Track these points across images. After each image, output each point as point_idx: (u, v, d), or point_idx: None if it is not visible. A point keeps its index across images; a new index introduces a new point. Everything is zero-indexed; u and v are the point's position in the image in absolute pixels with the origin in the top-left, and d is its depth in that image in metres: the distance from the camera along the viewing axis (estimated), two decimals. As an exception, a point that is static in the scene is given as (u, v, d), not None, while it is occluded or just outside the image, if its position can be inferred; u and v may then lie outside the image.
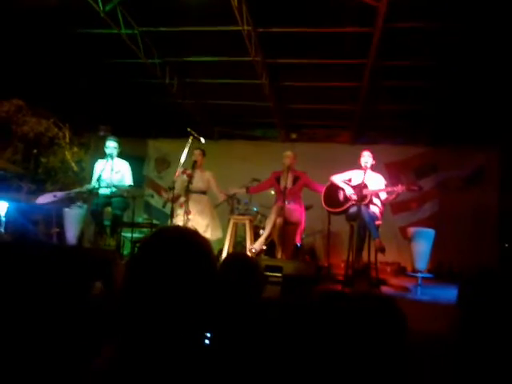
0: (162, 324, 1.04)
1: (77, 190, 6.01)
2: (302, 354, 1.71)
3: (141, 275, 1.07)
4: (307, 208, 6.20)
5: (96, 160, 6.02)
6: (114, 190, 5.62)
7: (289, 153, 6.00)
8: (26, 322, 1.42)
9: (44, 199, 5.91)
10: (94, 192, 5.61)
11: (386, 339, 1.73)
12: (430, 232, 5.77)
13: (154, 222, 7.93)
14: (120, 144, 5.86)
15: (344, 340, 1.37)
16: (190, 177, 5.67)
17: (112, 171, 5.69)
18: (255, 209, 6.94)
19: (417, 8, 4.91)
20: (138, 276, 1.08)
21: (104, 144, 5.87)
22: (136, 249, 6.56)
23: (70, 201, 5.99)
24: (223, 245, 5.95)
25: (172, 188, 5.54)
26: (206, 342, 1.20)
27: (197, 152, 5.91)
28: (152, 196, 7.70)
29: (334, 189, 5.60)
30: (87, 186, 5.83)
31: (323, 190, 5.71)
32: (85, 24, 5.80)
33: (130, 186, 5.81)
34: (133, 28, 5.80)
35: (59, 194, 5.94)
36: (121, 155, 5.93)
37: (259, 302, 2.01)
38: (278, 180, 5.96)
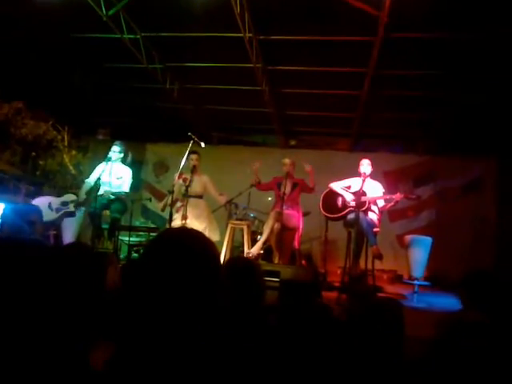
0: (166, 325, 1.04)
1: (72, 198, 5.87)
2: (302, 360, 1.71)
3: (146, 276, 1.08)
4: (305, 214, 6.22)
5: (96, 163, 6.01)
6: (111, 196, 5.59)
7: (287, 160, 6.02)
8: (20, 325, 1.41)
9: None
10: (91, 195, 5.58)
11: (385, 343, 1.74)
12: (427, 240, 5.79)
13: (152, 225, 7.92)
14: (124, 150, 5.83)
15: (345, 346, 1.38)
16: (189, 181, 5.66)
17: (110, 175, 5.68)
18: (252, 215, 6.95)
19: (417, 18, 4.95)
20: (143, 276, 1.08)
21: (103, 147, 5.85)
22: (133, 252, 6.56)
23: (69, 214, 5.87)
24: (221, 249, 5.94)
25: (171, 192, 5.54)
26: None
27: (195, 156, 5.87)
28: (150, 200, 7.70)
29: (332, 195, 5.63)
30: (84, 191, 5.77)
31: (313, 185, 5.79)
32: (87, 28, 5.82)
33: (125, 193, 5.77)
34: (135, 33, 5.82)
35: (54, 203, 5.84)
36: (125, 161, 5.91)
37: (261, 307, 2.01)
38: (278, 186, 5.98)
